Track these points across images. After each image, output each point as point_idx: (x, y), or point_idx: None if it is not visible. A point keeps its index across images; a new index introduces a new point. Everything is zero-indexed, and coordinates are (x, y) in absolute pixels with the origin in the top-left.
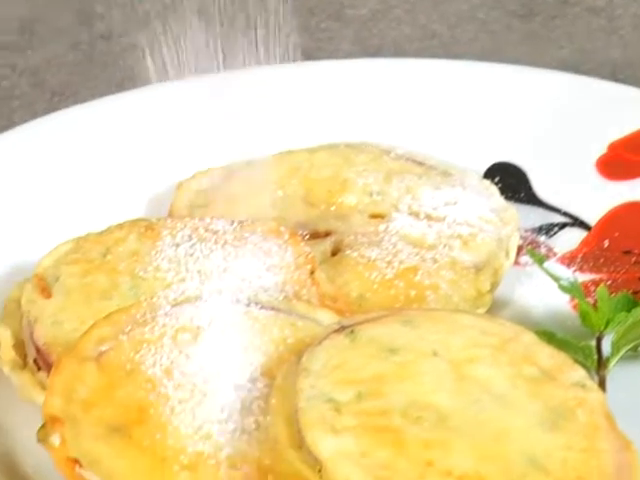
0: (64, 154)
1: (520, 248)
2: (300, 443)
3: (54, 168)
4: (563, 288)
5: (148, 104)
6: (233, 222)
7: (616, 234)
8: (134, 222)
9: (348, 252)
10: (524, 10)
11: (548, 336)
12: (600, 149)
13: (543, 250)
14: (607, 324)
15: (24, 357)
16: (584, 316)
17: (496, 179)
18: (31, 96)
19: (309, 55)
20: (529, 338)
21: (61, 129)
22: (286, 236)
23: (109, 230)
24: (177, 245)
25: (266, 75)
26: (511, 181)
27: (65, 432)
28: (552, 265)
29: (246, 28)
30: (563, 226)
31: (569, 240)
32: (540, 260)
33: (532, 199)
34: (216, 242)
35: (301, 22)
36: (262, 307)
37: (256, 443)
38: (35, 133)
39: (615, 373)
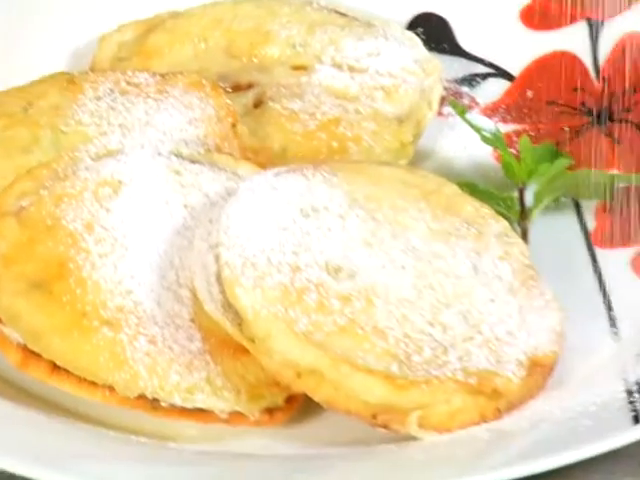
0: None
1: (443, 99)
2: (221, 297)
3: None
4: (485, 139)
5: None
6: (155, 75)
7: (540, 84)
8: (56, 76)
9: (270, 104)
10: None
11: (470, 187)
12: None
13: (466, 101)
14: (530, 175)
15: None
16: (507, 167)
17: (419, 30)
18: None
19: None
20: (451, 190)
21: None
22: (208, 89)
23: (31, 84)
24: (99, 99)
25: None
26: (434, 32)
27: None
28: (475, 116)
29: None
30: (486, 77)
31: (492, 91)
32: (462, 111)
33: (455, 50)
34: (138, 95)
35: None
36: (183, 160)
37: (176, 298)
38: None
39: (537, 224)
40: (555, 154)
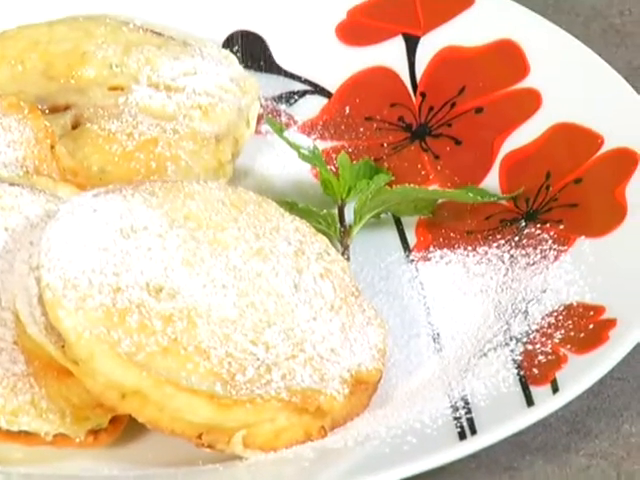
0: None
1: (261, 117)
2: (43, 319)
3: None
4: (303, 157)
5: None
6: None
7: (357, 100)
8: None
9: (88, 125)
10: None
11: (290, 205)
12: (339, 15)
13: (284, 119)
14: (349, 192)
15: None
16: (325, 184)
17: (236, 48)
18: None
19: None
20: (271, 208)
21: None
22: (26, 111)
23: None
24: None
25: None
26: (251, 49)
27: None
28: (292, 134)
29: None
30: (304, 94)
31: (310, 108)
32: (279, 129)
33: (272, 67)
34: None
35: None
36: (3, 183)
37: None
38: None
39: (358, 241)
40: (374, 170)
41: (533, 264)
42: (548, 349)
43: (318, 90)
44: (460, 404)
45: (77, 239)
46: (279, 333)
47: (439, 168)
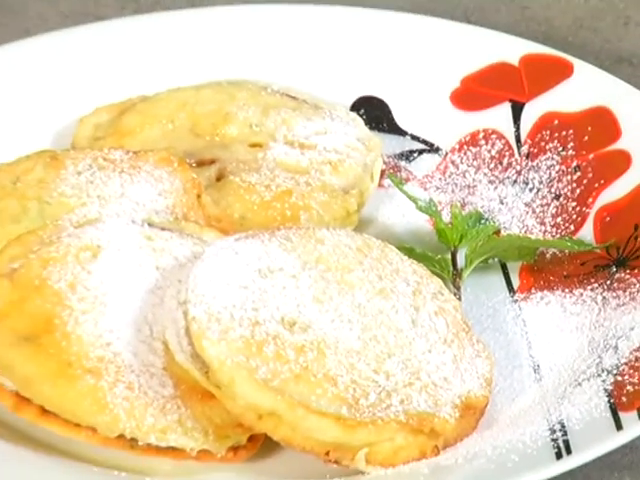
0: None
1: (383, 172)
2: (189, 349)
3: None
4: (421, 208)
5: (52, 49)
6: (128, 152)
7: (469, 158)
8: (40, 153)
9: (231, 178)
10: None
11: (408, 251)
12: (454, 83)
13: (403, 174)
14: (461, 239)
15: None
16: (440, 232)
17: (361, 111)
18: None
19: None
20: (392, 252)
21: None
22: (175, 164)
23: (18, 161)
24: (79, 173)
25: (160, 19)
26: (375, 112)
27: None
28: (411, 187)
29: None
30: (421, 152)
31: (427, 164)
32: (399, 183)
33: (394, 128)
34: (113, 170)
35: None
36: (155, 227)
37: (150, 349)
38: None
39: (469, 282)
40: (483, 221)
41: (623, 305)
42: (635, 380)
43: (434, 149)
44: (557, 427)
45: (220, 278)
46: (398, 363)
47: (540, 219)
